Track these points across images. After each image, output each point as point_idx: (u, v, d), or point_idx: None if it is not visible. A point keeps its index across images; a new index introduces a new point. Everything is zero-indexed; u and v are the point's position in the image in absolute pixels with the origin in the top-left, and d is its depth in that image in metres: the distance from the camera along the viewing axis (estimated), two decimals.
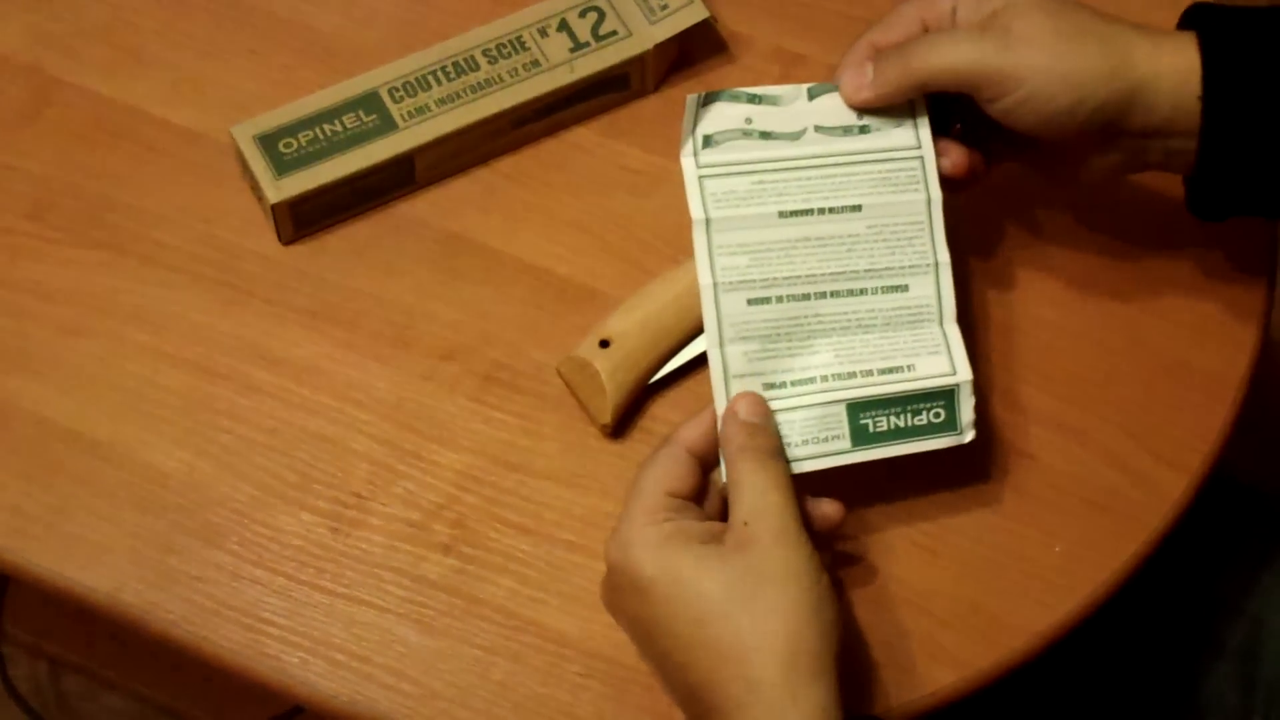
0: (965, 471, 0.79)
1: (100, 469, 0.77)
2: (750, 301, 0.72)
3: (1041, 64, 0.71)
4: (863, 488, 0.77)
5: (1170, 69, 0.71)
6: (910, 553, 0.77)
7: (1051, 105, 0.71)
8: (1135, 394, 0.81)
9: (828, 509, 0.72)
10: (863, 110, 0.75)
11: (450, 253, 0.84)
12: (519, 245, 0.84)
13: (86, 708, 1.38)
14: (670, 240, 0.83)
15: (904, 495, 0.78)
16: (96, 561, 0.75)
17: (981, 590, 0.76)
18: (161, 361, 0.80)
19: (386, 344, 0.81)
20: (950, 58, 0.72)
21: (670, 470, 0.70)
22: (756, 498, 0.68)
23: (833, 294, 0.73)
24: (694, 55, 0.90)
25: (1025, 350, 0.82)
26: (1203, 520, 0.81)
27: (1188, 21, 0.74)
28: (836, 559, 0.76)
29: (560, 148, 0.87)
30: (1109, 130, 0.72)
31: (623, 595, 0.68)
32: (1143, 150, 0.73)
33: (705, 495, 0.71)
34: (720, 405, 0.71)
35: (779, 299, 0.72)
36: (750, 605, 0.65)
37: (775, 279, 0.72)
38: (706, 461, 0.71)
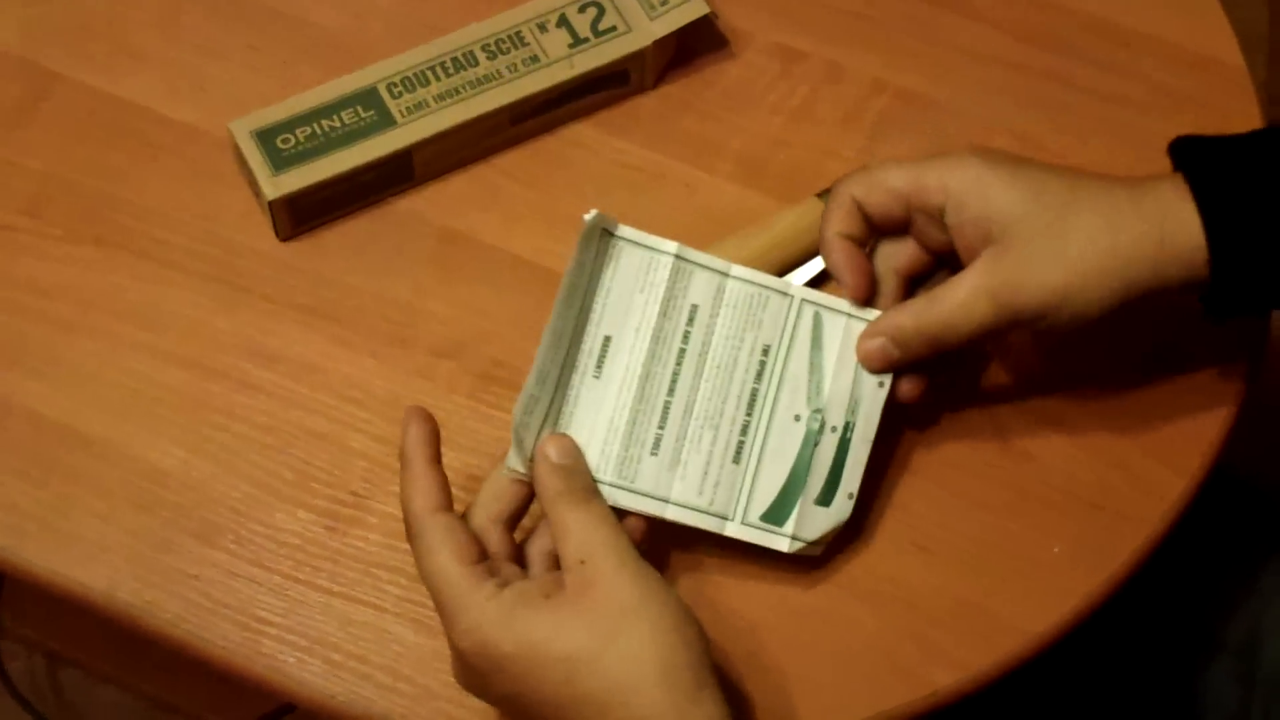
0: (963, 472, 0.78)
1: (97, 466, 0.77)
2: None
3: (1055, 300, 0.71)
4: (859, 487, 0.77)
5: (1178, 263, 0.71)
6: (908, 553, 0.76)
7: (1071, 323, 0.72)
8: (1134, 393, 0.81)
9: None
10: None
11: (448, 250, 0.84)
12: (517, 242, 0.84)
13: (83, 702, 1.38)
14: (667, 236, 0.83)
15: (902, 496, 0.78)
16: (93, 559, 0.75)
17: (980, 591, 0.76)
18: (158, 359, 0.80)
19: (384, 341, 0.81)
20: (975, 330, 0.72)
21: (454, 542, 0.67)
22: (586, 537, 0.67)
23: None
24: (693, 51, 0.90)
25: (1023, 350, 0.82)
26: (1202, 517, 0.81)
27: (1177, 158, 0.73)
28: (835, 559, 0.76)
29: (559, 144, 0.87)
30: (1124, 312, 0.72)
31: (484, 678, 0.67)
32: (1154, 299, 0.73)
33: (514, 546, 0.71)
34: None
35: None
36: (614, 644, 0.64)
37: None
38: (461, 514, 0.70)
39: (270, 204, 0.81)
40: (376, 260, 0.83)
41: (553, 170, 0.86)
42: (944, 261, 0.75)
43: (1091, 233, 0.71)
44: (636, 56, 0.86)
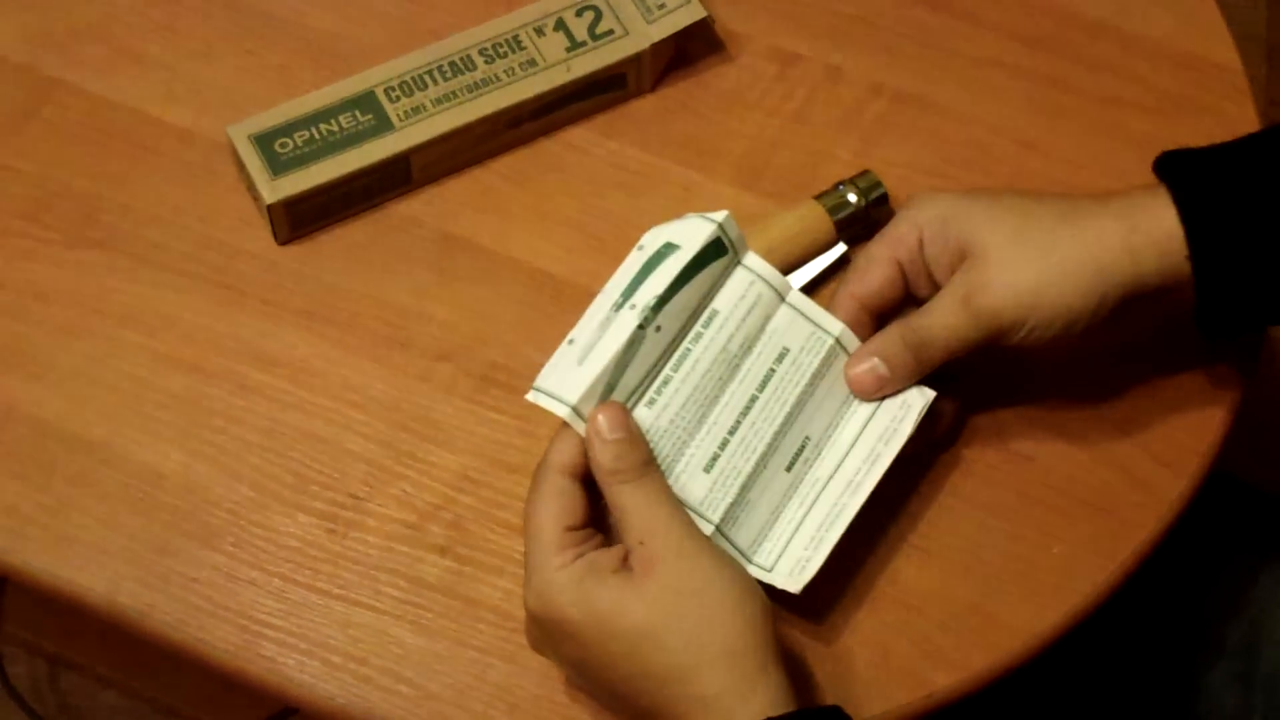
0: (963, 473, 0.78)
1: (96, 470, 0.77)
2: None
3: (1030, 302, 0.72)
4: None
5: (1152, 247, 0.72)
6: (907, 554, 0.76)
7: (1054, 330, 0.73)
8: (1133, 395, 0.81)
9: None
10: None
11: (446, 253, 0.84)
12: (515, 245, 0.84)
13: (85, 705, 1.38)
14: None
15: (900, 497, 0.78)
16: (92, 562, 0.75)
17: (979, 592, 0.76)
18: (157, 362, 0.80)
19: (383, 345, 0.81)
20: (954, 342, 0.73)
21: (559, 504, 0.68)
22: (643, 517, 0.67)
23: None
24: (691, 54, 0.90)
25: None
26: (1201, 519, 0.81)
27: (1160, 171, 0.74)
28: (834, 561, 0.76)
29: (556, 147, 0.87)
30: (1113, 314, 0.73)
31: (552, 641, 0.68)
32: (1147, 305, 0.74)
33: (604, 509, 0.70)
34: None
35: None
36: (676, 624, 0.65)
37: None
38: (587, 476, 0.69)
39: (269, 208, 0.81)
40: (375, 264, 0.83)
41: (550, 173, 0.86)
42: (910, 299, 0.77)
43: (1058, 234, 0.72)
44: (634, 60, 0.86)
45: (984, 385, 0.80)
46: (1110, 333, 0.74)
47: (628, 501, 0.68)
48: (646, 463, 0.69)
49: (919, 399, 0.74)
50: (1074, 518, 0.78)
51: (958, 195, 0.75)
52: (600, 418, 0.68)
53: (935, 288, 0.75)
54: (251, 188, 0.83)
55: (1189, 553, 0.88)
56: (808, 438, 0.73)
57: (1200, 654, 0.91)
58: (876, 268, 0.75)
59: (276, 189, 0.81)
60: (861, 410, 0.74)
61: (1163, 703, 0.92)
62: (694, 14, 0.87)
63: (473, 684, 0.73)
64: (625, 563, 0.67)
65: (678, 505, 0.68)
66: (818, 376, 0.74)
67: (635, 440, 0.69)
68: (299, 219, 0.83)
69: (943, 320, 0.73)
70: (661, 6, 0.86)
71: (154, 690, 1.35)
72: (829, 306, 0.75)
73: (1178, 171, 0.73)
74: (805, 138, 0.88)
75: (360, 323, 0.82)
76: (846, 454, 0.74)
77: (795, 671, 0.73)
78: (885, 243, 0.76)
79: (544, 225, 0.85)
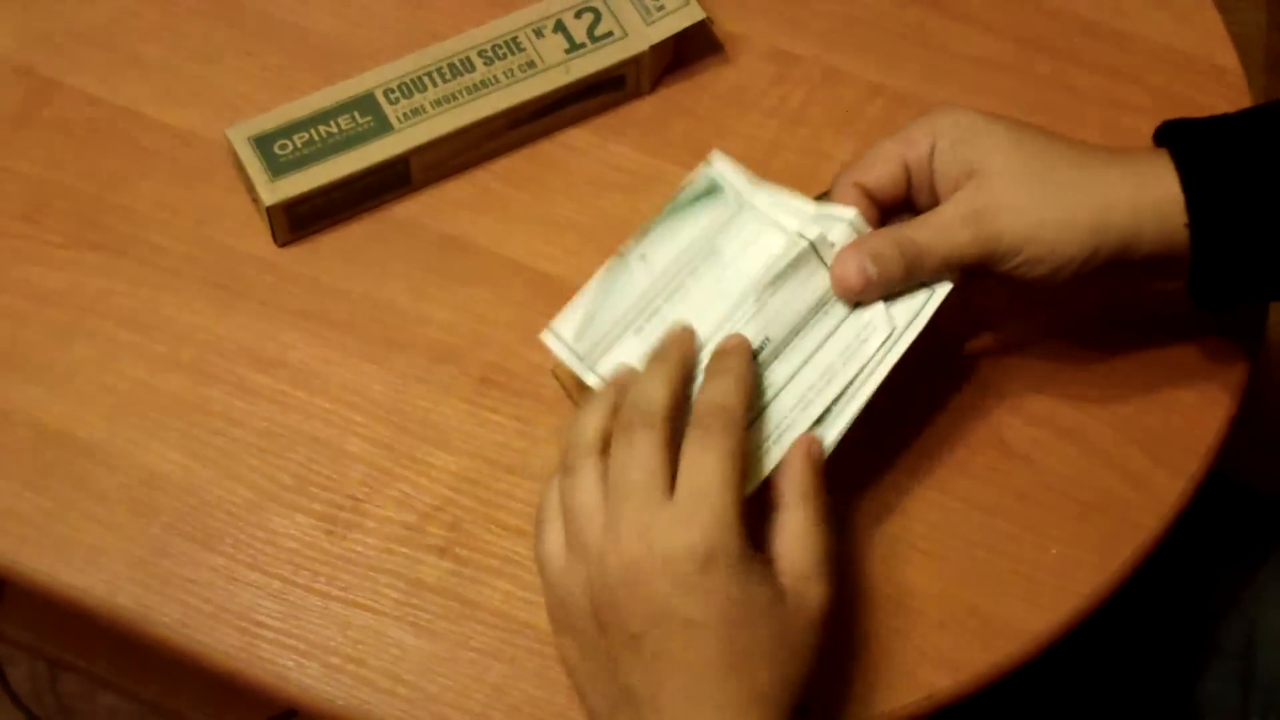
0: (961, 474, 0.78)
1: (95, 472, 0.77)
2: None
3: (1029, 233, 0.71)
4: (857, 489, 0.77)
5: (1153, 208, 0.72)
6: (905, 555, 0.76)
7: (1044, 266, 0.72)
8: (1132, 395, 0.81)
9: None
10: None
11: (445, 254, 0.84)
12: (514, 247, 0.84)
13: (84, 708, 1.39)
14: None
15: (899, 498, 0.78)
16: (91, 564, 0.75)
17: (977, 593, 0.76)
18: (157, 364, 0.80)
19: (381, 346, 0.81)
20: (950, 252, 0.72)
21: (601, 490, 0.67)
22: (819, 549, 0.67)
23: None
24: (689, 56, 0.90)
25: (1020, 352, 0.82)
26: (1200, 520, 0.81)
27: (1162, 138, 0.74)
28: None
29: (555, 149, 0.87)
30: (1100, 270, 0.73)
31: (715, 577, 0.64)
32: (1136, 271, 0.74)
33: None
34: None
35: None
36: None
37: None
38: None
39: (268, 210, 0.81)
40: (374, 265, 0.83)
41: (549, 175, 0.86)
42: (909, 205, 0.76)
43: (1071, 174, 0.72)
44: (633, 62, 0.86)
45: (982, 387, 0.81)
46: (1098, 287, 0.74)
47: (813, 527, 0.67)
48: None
49: (941, 287, 0.74)
50: (1072, 519, 0.78)
51: (979, 115, 0.74)
52: (811, 443, 0.70)
53: (931, 198, 0.74)
54: (251, 189, 0.83)
55: (1187, 554, 0.88)
56: (768, 338, 0.72)
57: (1198, 655, 0.91)
58: (884, 164, 0.74)
59: (276, 191, 0.81)
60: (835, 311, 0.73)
61: (1161, 704, 0.92)
62: (693, 15, 0.87)
63: (471, 685, 0.73)
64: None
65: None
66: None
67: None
68: (298, 221, 0.83)
69: (944, 234, 0.72)
70: (660, 8, 0.86)
71: (153, 692, 1.35)
72: (832, 191, 0.75)
73: (1179, 138, 0.73)
74: (804, 138, 0.88)
75: (359, 324, 0.82)
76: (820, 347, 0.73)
77: None
78: (898, 141, 0.74)
79: (543, 227, 0.85)
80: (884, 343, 0.72)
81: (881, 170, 0.74)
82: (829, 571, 0.67)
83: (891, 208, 0.75)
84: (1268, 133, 0.73)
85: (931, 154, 0.74)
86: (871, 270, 0.72)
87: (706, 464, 0.65)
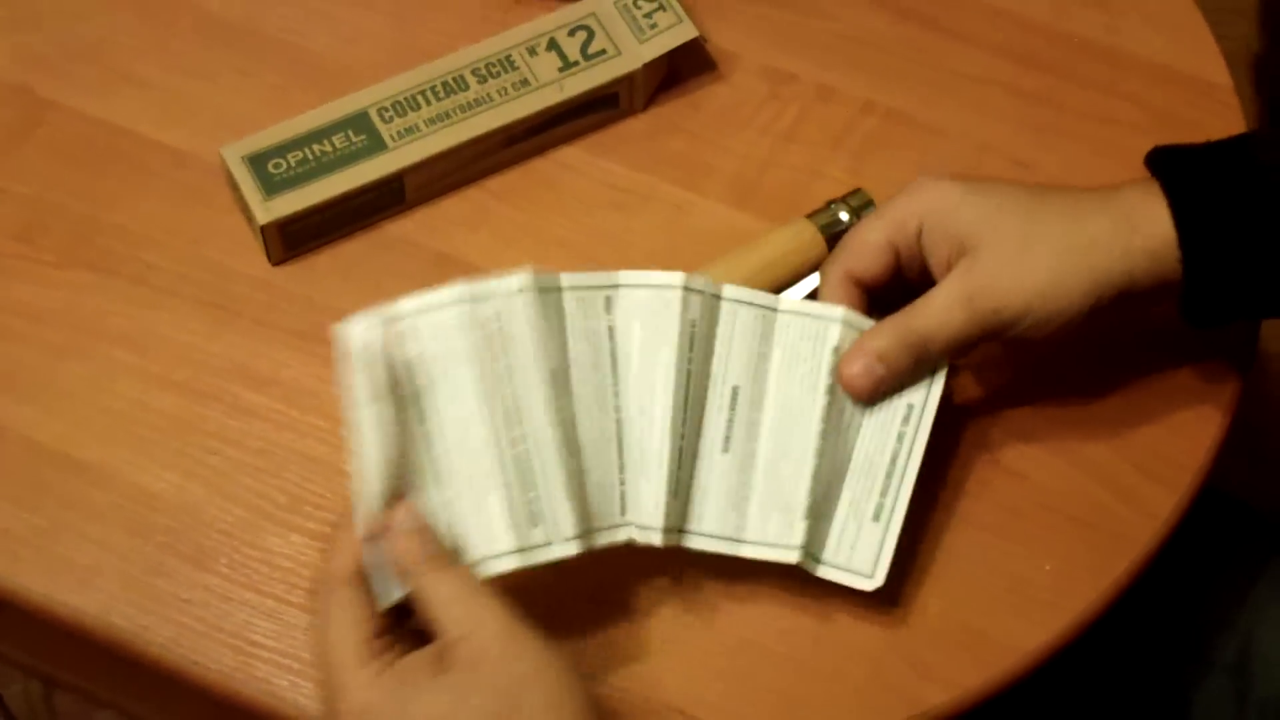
0: (955, 490, 0.79)
1: (89, 491, 0.77)
2: None
3: (1027, 303, 0.72)
4: None
5: (1145, 251, 0.72)
6: (899, 571, 0.76)
7: (1046, 329, 0.73)
8: (1125, 411, 0.81)
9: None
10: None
11: (440, 272, 0.84)
12: (508, 264, 0.83)
13: None
14: (658, 258, 0.83)
15: None
16: (85, 584, 0.75)
17: (971, 609, 0.76)
18: (150, 383, 0.80)
19: None
20: (952, 337, 0.73)
21: (351, 616, 0.64)
22: (467, 606, 0.64)
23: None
24: (683, 74, 0.90)
25: (1014, 368, 0.82)
26: (1193, 534, 0.81)
27: (1153, 166, 0.75)
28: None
29: (549, 166, 0.87)
30: (1100, 316, 0.73)
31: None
32: (1132, 307, 0.74)
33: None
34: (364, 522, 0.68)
35: None
36: (518, 713, 0.62)
37: None
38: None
39: (262, 228, 0.81)
40: (368, 283, 0.83)
41: (543, 192, 0.87)
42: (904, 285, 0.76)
43: (1060, 233, 0.72)
44: (626, 79, 0.87)
45: (975, 403, 0.81)
46: (1099, 326, 0.75)
47: (447, 592, 0.64)
48: (453, 554, 0.67)
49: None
50: (1066, 534, 0.78)
51: (961, 186, 0.74)
52: (402, 511, 0.67)
53: (923, 275, 0.75)
54: (245, 208, 0.83)
55: (1181, 569, 0.88)
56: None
57: (1192, 670, 0.91)
58: (873, 252, 0.75)
59: (270, 210, 0.81)
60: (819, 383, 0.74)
61: (1155, 718, 0.92)
62: (686, 33, 0.87)
63: None
64: (441, 662, 0.63)
65: (496, 592, 0.65)
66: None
67: (434, 530, 0.67)
68: (293, 239, 0.83)
69: (943, 320, 0.72)
70: (654, 26, 0.87)
71: (149, 711, 1.35)
72: (823, 281, 0.76)
73: (1169, 168, 0.74)
74: (797, 156, 0.88)
75: None
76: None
77: (786, 690, 0.73)
78: (884, 224, 0.75)
79: (537, 244, 0.85)
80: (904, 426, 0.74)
81: (872, 259, 0.75)
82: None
83: (883, 289, 0.76)
84: (1259, 159, 0.73)
85: (919, 234, 0.74)
86: (879, 370, 0.73)
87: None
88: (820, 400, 0.73)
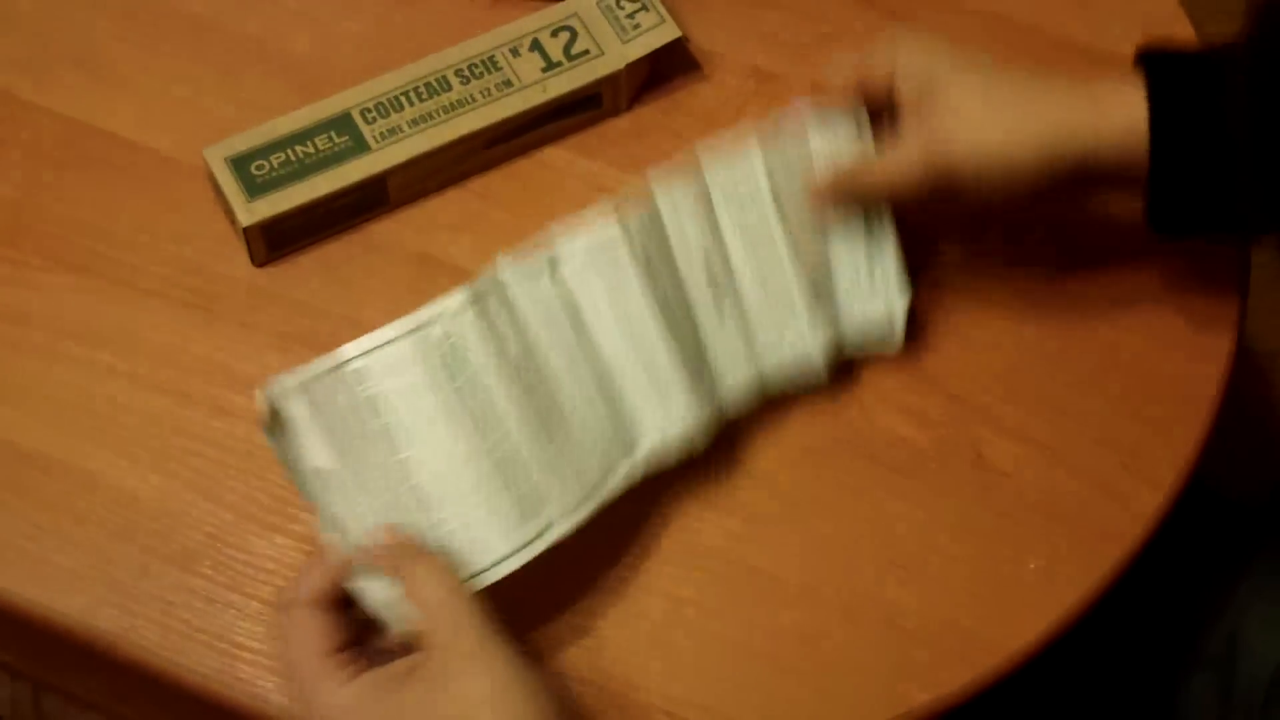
0: (939, 489, 0.79)
1: (73, 493, 0.77)
2: None
3: (987, 164, 0.74)
4: (833, 504, 0.77)
5: (1113, 131, 0.73)
6: (885, 571, 0.77)
7: (999, 195, 0.75)
8: (1109, 409, 0.81)
9: None
10: None
11: (423, 273, 0.84)
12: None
13: None
14: None
15: (878, 514, 0.78)
16: (68, 586, 0.75)
17: (956, 608, 0.76)
18: (135, 385, 0.80)
19: None
20: (905, 186, 0.77)
21: (315, 630, 0.66)
22: (446, 611, 0.65)
23: None
24: (666, 74, 0.90)
25: (999, 367, 0.82)
26: (1179, 531, 0.81)
27: (1142, 62, 0.75)
28: (813, 577, 0.76)
29: (532, 167, 0.87)
30: (1056, 189, 0.75)
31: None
32: (1093, 189, 0.75)
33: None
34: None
35: None
36: (504, 711, 0.63)
37: None
38: (338, 602, 0.68)
39: (245, 230, 0.81)
40: (352, 284, 0.83)
41: (527, 193, 0.87)
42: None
43: (1025, 96, 0.75)
44: (609, 80, 0.87)
45: (959, 402, 0.81)
46: (1057, 205, 0.76)
47: (430, 594, 0.65)
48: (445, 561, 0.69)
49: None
50: (1051, 533, 0.78)
51: (934, 37, 0.78)
52: (385, 529, 0.69)
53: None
54: (228, 210, 0.83)
55: (1167, 566, 0.88)
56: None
57: (1179, 666, 0.91)
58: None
59: (253, 211, 0.81)
60: None
61: (1142, 714, 0.92)
62: (669, 34, 0.87)
63: None
64: (412, 675, 0.64)
65: (479, 597, 0.67)
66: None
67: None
68: (276, 241, 0.83)
69: (901, 169, 0.76)
70: (636, 26, 0.87)
71: (135, 713, 1.35)
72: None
73: (1159, 69, 0.74)
74: None
75: (338, 344, 0.81)
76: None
77: (772, 689, 0.73)
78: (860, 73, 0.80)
79: (521, 244, 0.85)
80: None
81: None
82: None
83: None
84: (1243, 70, 0.74)
85: (891, 79, 0.77)
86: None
87: None
88: (776, 225, 0.79)
